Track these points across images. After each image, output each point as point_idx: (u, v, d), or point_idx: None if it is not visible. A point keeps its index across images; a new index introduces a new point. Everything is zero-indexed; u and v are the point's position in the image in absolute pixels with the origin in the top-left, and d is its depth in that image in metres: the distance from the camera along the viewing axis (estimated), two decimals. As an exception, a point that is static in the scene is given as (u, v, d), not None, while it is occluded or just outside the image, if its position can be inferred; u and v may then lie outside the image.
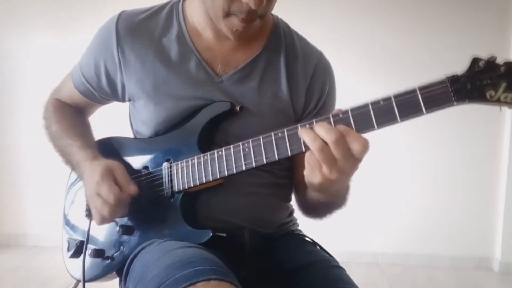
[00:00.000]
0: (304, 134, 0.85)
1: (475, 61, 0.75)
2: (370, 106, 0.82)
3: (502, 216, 3.36)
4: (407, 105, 0.78)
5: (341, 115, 0.85)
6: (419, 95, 0.77)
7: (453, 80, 0.75)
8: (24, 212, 3.66)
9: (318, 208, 1.11)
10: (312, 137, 0.84)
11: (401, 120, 0.79)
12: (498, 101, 0.71)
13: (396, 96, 0.80)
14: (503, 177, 3.38)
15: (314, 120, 0.87)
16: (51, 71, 3.42)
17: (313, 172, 0.86)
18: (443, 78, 0.76)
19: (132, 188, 1.06)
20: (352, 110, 0.84)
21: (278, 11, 1.19)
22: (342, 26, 3.40)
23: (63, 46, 3.49)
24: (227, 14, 0.99)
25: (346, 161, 0.83)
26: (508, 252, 3.35)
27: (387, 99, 0.81)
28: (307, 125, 0.87)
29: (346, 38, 3.39)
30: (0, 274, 3.04)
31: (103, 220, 1.07)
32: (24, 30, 3.56)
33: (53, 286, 2.82)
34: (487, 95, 0.72)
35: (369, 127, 0.83)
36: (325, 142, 0.82)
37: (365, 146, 0.82)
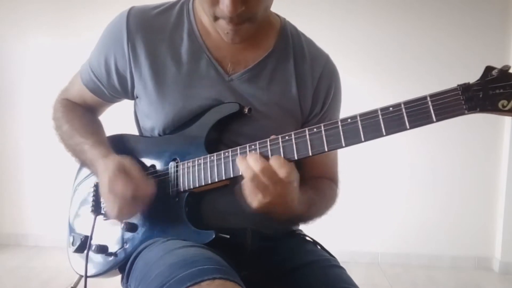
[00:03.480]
0: (238, 163, 0.94)
1: (488, 69, 0.74)
2: (379, 113, 0.82)
3: (502, 216, 3.37)
4: (417, 112, 0.78)
5: (349, 120, 0.85)
6: (430, 103, 0.76)
7: (465, 88, 0.74)
8: (24, 212, 3.65)
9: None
10: (244, 167, 0.92)
11: (410, 128, 0.79)
12: (510, 111, 0.71)
13: (406, 103, 0.79)
14: (503, 177, 3.38)
15: (322, 125, 0.88)
16: (51, 71, 3.43)
17: (250, 197, 0.94)
18: (454, 86, 0.75)
19: (150, 187, 1.06)
20: (361, 116, 0.84)
21: (277, 11, 1.20)
22: (342, 26, 3.41)
23: (63, 46, 3.49)
24: (216, 18, 1.00)
25: (275, 186, 0.91)
26: (508, 252, 3.36)
27: (396, 106, 0.80)
28: (315, 129, 0.89)
29: (344, 38, 3.39)
30: (0, 274, 3.04)
31: (119, 217, 1.07)
32: (24, 30, 3.55)
33: (53, 286, 2.81)
34: (499, 104, 0.71)
35: (377, 133, 0.82)
36: None
37: (289, 171, 0.90)
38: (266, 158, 0.93)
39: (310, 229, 1.25)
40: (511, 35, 3.31)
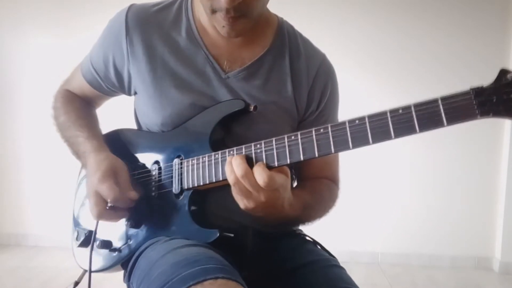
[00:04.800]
0: (226, 165, 0.93)
1: (503, 73, 0.70)
2: (388, 115, 0.79)
3: (502, 216, 3.38)
4: (428, 116, 0.75)
5: (357, 121, 0.83)
6: (441, 106, 0.74)
7: (478, 92, 0.71)
8: (24, 212, 3.65)
9: None
10: (229, 171, 0.92)
11: (420, 131, 0.76)
12: None
13: (416, 106, 0.77)
14: (503, 177, 3.39)
15: (329, 125, 0.86)
16: (51, 71, 3.42)
17: (236, 200, 0.95)
18: (467, 90, 0.72)
19: (132, 194, 1.07)
20: (370, 117, 0.81)
21: (277, 10, 1.21)
22: (342, 26, 3.41)
23: (63, 46, 3.48)
24: (213, 11, 1.00)
25: (259, 193, 0.91)
26: (508, 252, 3.37)
27: (406, 109, 0.78)
28: (322, 130, 0.87)
29: (344, 38, 3.40)
30: (0, 274, 3.03)
31: (99, 216, 1.08)
32: (24, 30, 3.54)
33: (53, 286, 2.81)
34: None
35: (386, 136, 0.80)
36: None
37: (267, 180, 0.88)
38: (251, 162, 0.92)
39: (310, 229, 1.25)
40: (511, 35, 3.32)
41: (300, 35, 1.22)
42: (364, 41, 3.40)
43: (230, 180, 0.91)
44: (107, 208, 1.06)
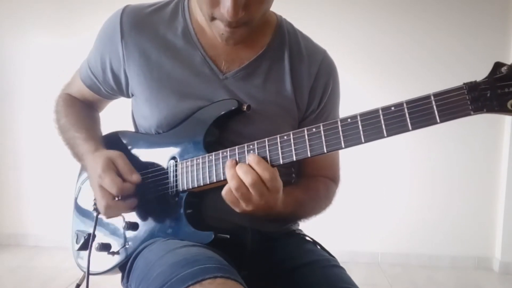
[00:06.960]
0: (226, 169, 0.94)
1: (497, 66, 0.69)
2: (380, 112, 0.79)
3: (502, 216, 3.37)
4: (420, 113, 0.74)
5: (349, 120, 0.83)
6: (433, 103, 0.73)
7: (471, 87, 0.69)
8: (24, 212, 3.65)
9: None
10: (230, 175, 0.93)
11: (413, 129, 0.76)
12: None
13: (408, 103, 0.76)
14: (503, 177, 3.38)
15: (321, 124, 0.87)
16: (51, 71, 3.42)
17: (232, 204, 0.96)
18: (460, 85, 0.71)
19: (134, 177, 1.06)
20: (361, 115, 0.81)
21: (277, 10, 1.20)
22: (342, 26, 3.40)
23: (64, 46, 3.48)
24: (212, 18, 0.99)
25: (261, 197, 0.92)
26: (508, 252, 3.36)
27: (398, 106, 0.77)
28: (314, 129, 0.87)
29: (345, 38, 3.39)
30: (0, 274, 3.03)
31: (109, 213, 1.08)
32: (24, 30, 3.54)
33: (53, 286, 2.81)
34: (508, 105, 0.65)
35: (378, 135, 0.80)
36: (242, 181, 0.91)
37: (278, 185, 0.93)
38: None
39: (310, 229, 1.25)
40: (511, 35, 3.31)
41: (300, 32, 1.21)
42: (364, 41, 3.39)
43: (232, 185, 0.92)
44: (114, 199, 1.05)
